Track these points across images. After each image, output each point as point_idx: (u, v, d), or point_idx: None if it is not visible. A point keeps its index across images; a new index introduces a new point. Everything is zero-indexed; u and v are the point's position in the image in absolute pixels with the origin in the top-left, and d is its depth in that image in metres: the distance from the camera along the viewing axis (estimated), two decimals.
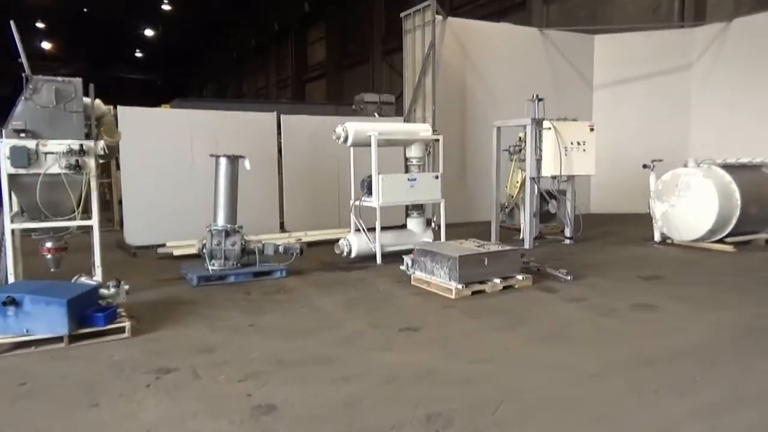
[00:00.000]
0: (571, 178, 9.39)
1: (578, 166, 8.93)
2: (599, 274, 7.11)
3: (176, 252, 8.43)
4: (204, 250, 7.02)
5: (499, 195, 9.75)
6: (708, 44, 13.18)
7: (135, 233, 9.25)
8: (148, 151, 9.40)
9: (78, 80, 6.00)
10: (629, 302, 5.81)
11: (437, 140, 8.60)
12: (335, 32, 28.82)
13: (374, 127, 8.00)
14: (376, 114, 15.69)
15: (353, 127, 7.93)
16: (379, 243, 7.93)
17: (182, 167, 9.68)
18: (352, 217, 8.29)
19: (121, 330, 4.81)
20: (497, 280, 6.28)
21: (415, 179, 8.08)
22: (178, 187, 9.62)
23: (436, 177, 8.26)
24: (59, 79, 5.96)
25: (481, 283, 6.25)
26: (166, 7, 36.06)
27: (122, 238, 9.27)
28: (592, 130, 8.98)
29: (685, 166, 8.95)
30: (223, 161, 7.17)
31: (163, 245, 8.68)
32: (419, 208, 8.55)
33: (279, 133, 10.69)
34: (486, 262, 6.23)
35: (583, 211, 14.04)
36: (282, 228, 10.75)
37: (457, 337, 4.83)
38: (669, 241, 9.19)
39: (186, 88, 52.32)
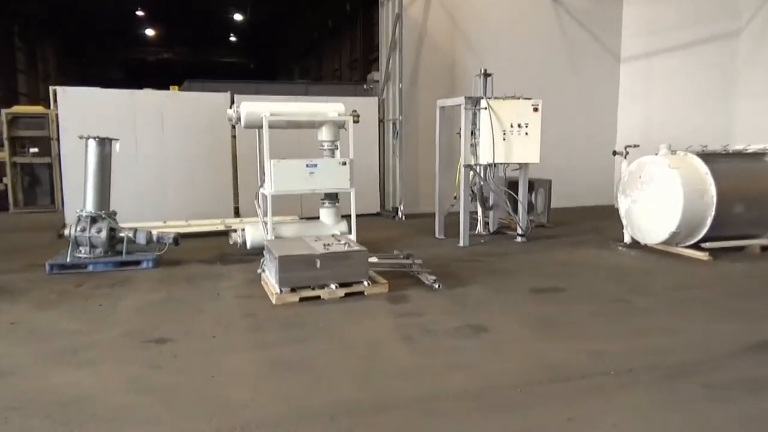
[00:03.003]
0: (523, 166, 8.08)
1: (518, 153, 7.62)
2: (490, 283, 5.98)
3: None
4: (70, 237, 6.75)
5: (443, 183, 8.61)
6: (761, 3, 10.88)
7: (73, 215, 9.25)
8: (89, 132, 9.31)
9: None
10: (466, 322, 4.72)
11: (352, 122, 7.65)
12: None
13: (269, 108, 7.28)
14: None
15: (246, 107, 7.27)
16: (271, 235, 7.25)
17: (125, 148, 9.51)
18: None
19: None
20: (334, 286, 5.41)
21: (315, 165, 7.25)
22: (120, 169, 9.47)
23: (344, 163, 7.37)
24: None
25: (319, 288, 5.41)
26: None
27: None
28: (536, 110, 7.60)
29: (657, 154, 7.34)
30: (91, 143, 6.83)
31: None
32: (332, 197, 7.73)
33: None
34: (318, 265, 5.36)
35: (608, 203, 12.37)
36: (237, 213, 10.38)
37: (195, 354, 4.09)
38: (644, 243, 7.63)
39: (275, 70, 53.77)
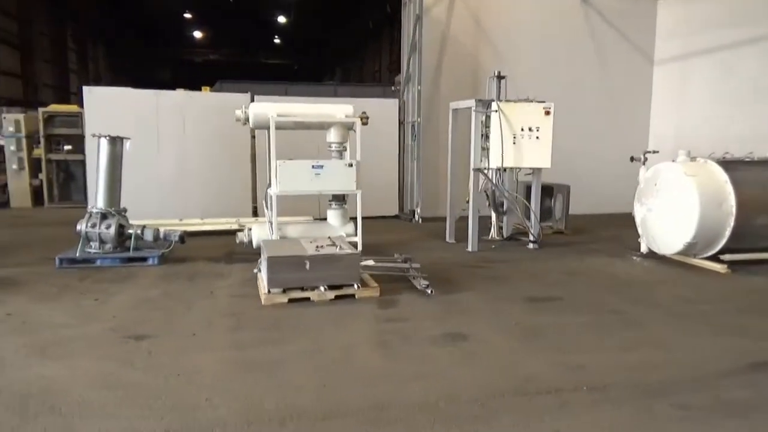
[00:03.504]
0: (536, 171, 7.88)
1: (529, 157, 7.43)
2: (486, 290, 5.84)
3: None
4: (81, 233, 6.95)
5: (455, 187, 8.46)
6: None
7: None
8: (114, 130, 9.58)
9: None
10: (448, 329, 4.62)
11: (360, 124, 7.61)
12: None
13: (276, 109, 7.32)
14: None
15: (254, 108, 7.33)
16: (276, 234, 7.28)
17: (148, 147, 9.78)
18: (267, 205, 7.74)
19: None
20: (323, 288, 5.38)
21: (321, 167, 7.23)
22: (142, 166, 9.74)
23: (350, 165, 7.34)
24: None
25: (310, 290, 5.40)
26: None
27: None
28: (548, 113, 7.40)
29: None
30: (103, 142, 7.01)
31: None
32: (340, 198, 7.71)
33: None
34: (308, 266, 5.34)
35: None
36: (255, 213, 10.49)
37: (169, 352, 4.13)
38: (662, 254, 7.31)
39: (318, 72, 54.33)
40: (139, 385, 3.58)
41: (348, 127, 7.59)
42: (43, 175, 12.34)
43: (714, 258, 6.78)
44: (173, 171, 9.97)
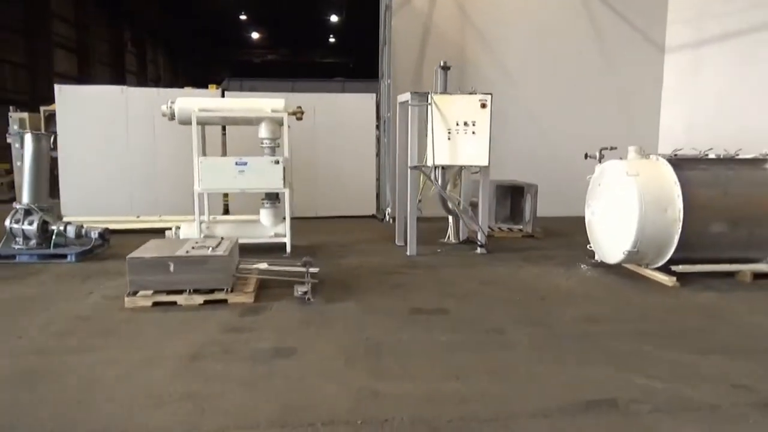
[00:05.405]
0: (483, 169, 7.22)
1: (464, 154, 6.78)
2: (376, 300, 5.34)
3: None
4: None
5: (403, 186, 7.90)
6: None
7: (70, 207, 9.72)
8: (84, 128, 9.73)
9: None
10: (283, 344, 4.20)
11: (291, 119, 7.25)
12: None
13: (203, 104, 7.08)
14: None
15: (180, 103, 7.12)
16: (200, 233, 7.05)
17: (117, 144, 9.85)
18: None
19: None
20: (188, 292, 5.07)
21: (245, 163, 6.94)
22: (112, 163, 9.83)
23: (277, 162, 6.99)
24: None
25: (177, 293, 5.10)
26: None
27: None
28: (483, 106, 6.71)
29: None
30: (27, 138, 7.01)
31: None
32: (272, 197, 7.39)
33: None
34: (172, 268, 5.03)
35: None
36: (226, 211, 10.35)
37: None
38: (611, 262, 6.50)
39: (374, 69, 54.24)
40: None
41: (279, 123, 7.24)
42: None
43: (666, 269, 5.92)
44: (143, 167, 9.96)
